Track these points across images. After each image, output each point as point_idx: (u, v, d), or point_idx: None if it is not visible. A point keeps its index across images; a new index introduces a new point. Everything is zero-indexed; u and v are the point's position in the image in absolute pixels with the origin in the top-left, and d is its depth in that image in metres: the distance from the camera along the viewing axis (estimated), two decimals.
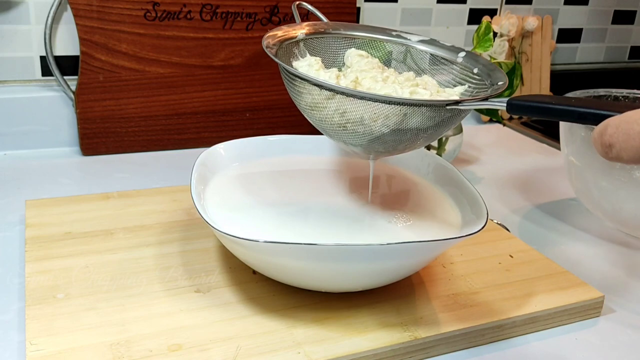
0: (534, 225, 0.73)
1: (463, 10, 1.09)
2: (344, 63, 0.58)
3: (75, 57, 0.85)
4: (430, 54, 0.59)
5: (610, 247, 0.69)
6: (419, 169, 0.65)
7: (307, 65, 0.54)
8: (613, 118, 0.35)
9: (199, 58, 0.87)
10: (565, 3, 1.18)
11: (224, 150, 0.63)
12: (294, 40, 0.57)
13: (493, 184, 0.84)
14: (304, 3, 0.62)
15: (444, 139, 0.83)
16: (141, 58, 0.85)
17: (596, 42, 1.26)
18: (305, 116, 0.52)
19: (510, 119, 1.14)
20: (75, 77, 0.84)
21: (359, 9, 0.99)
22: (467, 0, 1.08)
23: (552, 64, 1.18)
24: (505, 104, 0.44)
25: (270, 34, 0.54)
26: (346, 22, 0.62)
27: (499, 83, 0.51)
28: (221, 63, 0.89)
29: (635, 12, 1.27)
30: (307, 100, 0.50)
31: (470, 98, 0.48)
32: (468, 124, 1.07)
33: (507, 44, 0.88)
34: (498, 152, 0.98)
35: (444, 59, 0.59)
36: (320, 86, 0.48)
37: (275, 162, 0.65)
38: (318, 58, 0.56)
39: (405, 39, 0.61)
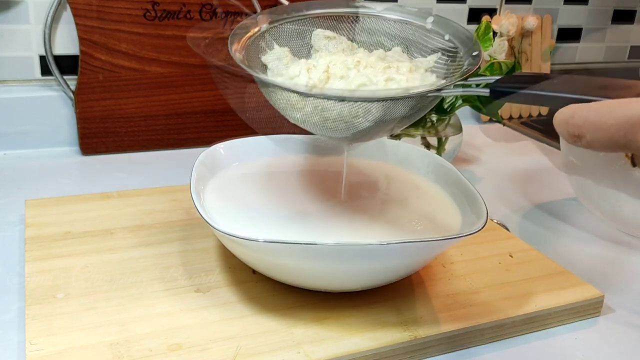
0: (534, 225, 0.73)
1: (463, 9, 1.08)
2: (312, 46, 0.57)
3: (75, 57, 0.85)
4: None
5: (610, 246, 0.69)
6: (419, 169, 0.64)
7: (276, 59, 0.53)
8: (579, 107, 0.35)
9: (199, 58, 0.87)
10: (565, 2, 1.18)
11: (223, 150, 0.63)
12: (258, 33, 0.55)
13: (493, 184, 0.84)
14: None
15: (443, 138, 0.83)
16: (141, 58, 0.84)
17: (596, 41, 1.26)
18: (284, 115, 0.51)
19: (510, 118, 1.14)
20: (75, 76, 0.84)
21: None
22: (466, 0, 1.08)
23: (552, 64, 1.18)
24: (488, 92, 0.42)
25: (229, 41, 0.52)
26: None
27: (474, 54, 0.49)
28: (221, 63, 0.89)
29: (635, 11, 1.27)
30: (283, 103, 0.49)
31: (451, 83, 0.47)
32: (468, 124, 1.07)
33: (506, 44, 0.88)
34: (498, 152, 0.97)
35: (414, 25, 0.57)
36: (297, 92, 0.47)
37: (274, 162, 0.65)
38: (286, 48, 0.54)
39: (370, 8, 0.59)
